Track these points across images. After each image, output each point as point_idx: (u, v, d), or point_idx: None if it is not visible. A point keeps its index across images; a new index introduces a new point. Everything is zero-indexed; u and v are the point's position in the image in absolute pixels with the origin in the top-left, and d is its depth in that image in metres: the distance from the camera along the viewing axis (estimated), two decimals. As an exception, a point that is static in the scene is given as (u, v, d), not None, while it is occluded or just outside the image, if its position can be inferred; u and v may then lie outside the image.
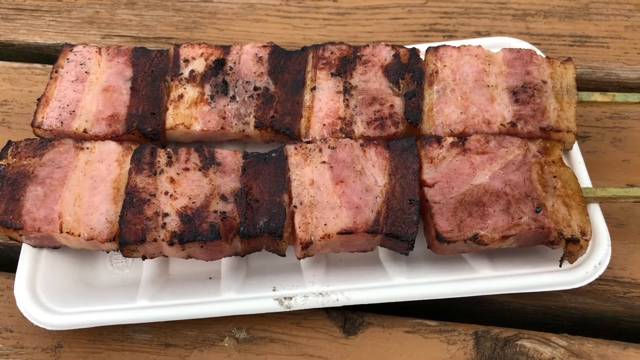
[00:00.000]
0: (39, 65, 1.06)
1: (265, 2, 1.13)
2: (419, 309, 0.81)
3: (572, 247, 0.72)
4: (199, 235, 0.74)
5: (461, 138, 0.80)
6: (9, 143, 0.82)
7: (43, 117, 0.86)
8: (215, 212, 0.75)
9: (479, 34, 1.05)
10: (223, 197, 0.76)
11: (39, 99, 0.87)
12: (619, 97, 0.84)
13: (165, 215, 0.75)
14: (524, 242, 0.75)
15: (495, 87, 0.84)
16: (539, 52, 0.87)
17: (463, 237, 0.73)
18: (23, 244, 0.80)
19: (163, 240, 0.74)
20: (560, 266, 0.75)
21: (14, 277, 0.83)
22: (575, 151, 0.84)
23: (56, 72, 0.89)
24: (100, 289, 0.80)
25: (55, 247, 0.80)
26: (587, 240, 0.72)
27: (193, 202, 0.76)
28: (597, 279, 0.76)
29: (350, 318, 0.78)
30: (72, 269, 0.81)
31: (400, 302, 0.76)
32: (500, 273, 0.76)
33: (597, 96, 0.84)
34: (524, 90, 0.83)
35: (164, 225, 0.74)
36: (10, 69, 1.05)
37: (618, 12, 1.07)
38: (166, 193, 0.77)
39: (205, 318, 0.76)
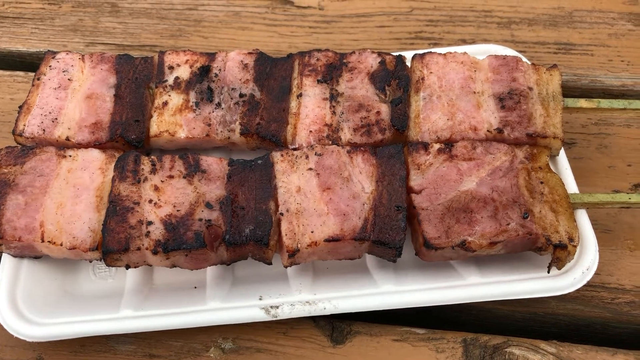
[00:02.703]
0: (20, 73, 1.05)
1: (251, 10, 1.12)
2: (407, 317, 0.80)
3: (560, 253, 0.72)
4: (183, 243, 0.72)
5: (448, 144, 0.80)
6: (-11, 151, 0.80)
7: (25, 125, 0.84)
8: (201, 220, 0.74)
9: (464, 42, 1.06)
10: (208, 205, 0.75)
11: (20, 107, 0.85)
12: (604, 103, 0.84)
13: (149, 223, 0.74)
14: (512, 249, 0.75)
15: (481, 93, 0.84)
16: (524, 59, 0.88)
17: (451, 243, 0.73)
18: (3, 254, 0.79)
19: (147, 248, 0.72)
20: (548, 272, 0.75)
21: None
22: (562, 157, 0.84)
23: (38, 79, 0.88)
24: (82, 299, 0.79)
25: (37, 256, 0.79)
26: (575, 246, 0.72)
27: (177, 210, 0.75)
28: (585, 285, 0.76)
29: (337, 327, 0.77)
30: (53, 279, 0.80)
31: (388, 311, 0.75)
32: (488, 280, 0.76)
33: (582, 102, 0.84)
34: (510, 97, 0.83)
35: (147, 234, 0.73)
36: (-9, 77, 1.04)
37: (601, 20, 1.08)
38: (150, 201, 0.75)
39: (191, 328, 0.75)
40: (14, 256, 0.78)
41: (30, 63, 1.09)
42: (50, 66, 0.89)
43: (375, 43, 1.06)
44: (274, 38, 1.08)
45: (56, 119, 0.85)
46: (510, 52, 0.94)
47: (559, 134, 0.81)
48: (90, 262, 0.81)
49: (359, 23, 1.10)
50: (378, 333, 0.77)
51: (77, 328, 0.73)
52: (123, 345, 0.76)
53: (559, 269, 0.74)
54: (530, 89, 0.84)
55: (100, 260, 0.78)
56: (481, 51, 0.93)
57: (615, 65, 1.02)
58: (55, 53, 0.90)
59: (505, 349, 0.75)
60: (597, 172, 0.90)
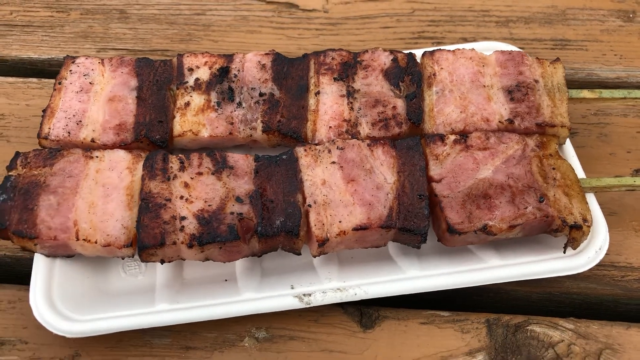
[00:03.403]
0: (34, 79, 1.06)
1: (258, 14, 1.15)
2: (430, 301, 0.84)
3: (576, 234, 0.76)
4: (217, 236, 0.75)
5: (463, 135, 0.84)
6: (17, 154, 0.82)
7: (50, 128, 0.86)
8: (232, 213, 0.77)
9: (465, 40, 1.10)
10: (238, 199, 0.78)
11: (44, 110, 0.87)
12: (606, 93, 0.89)
13: (183, 218, 0.76)
14: (529, 231, 0.79)
15: (490, 87, 0.88)
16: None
17: (473, 228, 0.76)
18: (35, 255, 0.80)
19: (182, 243, 0.75)
20: (564, 252, 0.79)
21: (25, 290, 0.83)
22: (568, 146, 0.89)
23: (59, 83, 0.90)
24: (115, 296, 0.80)
25: (69, 255, 0.80)
26: (589, 227, 0.77)
27: (209, 205, 0.77)
28: (596, 265, 0.80)
29: (366, 313, 0.80)
30: (85, 278, 0.81)
31: (412, 296, 0.79)
32: (508, 262, 0.80)
33: (585, 93, 0.89)
34: (518, 89, 0.87)
35: (182, 228, 0.75)
36: (5, 84, 1.05)
37: (592, 17, 1.13)
38: (181, 197, 0.78)
39: (224, 320, 0.77)
40: (47, 256, 0.80)
41: (41, 70, 1.10)
42: (70, 70, 0.91)
43: (380, 43, 1.10)
44: (282, 40, 1.11)
45: (80, 121, 0.87)
46: (512, 49, 0.99)
47: (566, 122, 0.85)
48: (123, 259, 0.83)
49: (363, 25, 1.13)
50: (405, 317, 0.80)
51: (115, 323, 0.75)
52: (159, 339, 0.78)
53: (574, 248, 0.79)
54: (537, 81, 0.88)
55: (133, 257, 0.80)
56: (484, 49, 0.98)
57: (609, 59, 1.07)
58: (74, 58, 0.92)
59: (527, 327, 0.79)
60: (599, 159, 0.95)
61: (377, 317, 0.80)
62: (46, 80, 1.06)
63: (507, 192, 0.79)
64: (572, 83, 1.06)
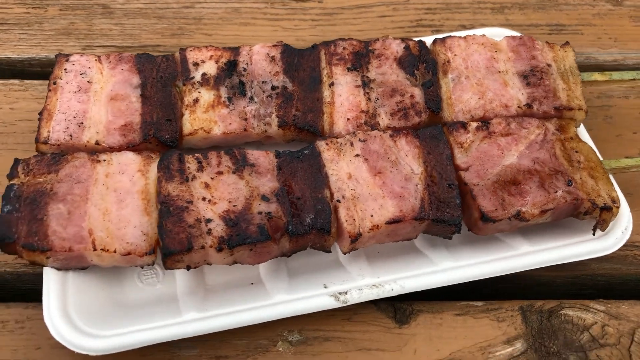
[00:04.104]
0: (15, 81, 0.98)
1: (250, 5, 1.11)
2: (460, 292, 0.82)
3: (606, 215, 0.77)
4: (247, 238, 0.71)
5: (484, 122, 0.82)
6: (17, 161, 0.75)
7: (49, 132, 0.80)
8: (260, 213, 0.73)
9: (464, 27, 1.09)
10: (264, 198, 0.74)
11: (40, 113, 0.81)
12: (616, 75, 0.90)
13: (209, 221, 0.72)
14: (558, 216, 0.79)
15: (505, 72, 0.87)
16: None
17: (507, 215, 0.75)
18: (44, 269, 0.74)
19: (211, 246, 0.70)
20: (594, 234, 0.79)
21: (32, 307, 0.77)
22: (582, 129, 0.89)
23: (54, 83, 0.83)
24: (134, 308, 0.75)
25: (83, 268, 0.75)
26: (618, 207, 0.77)
27: (234, 206, 0.73)
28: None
29: (399, 308, 0.78)
30: (101, 290, 0.76)
31: (443, 288, 0.77)
32: (538, 248, 0.79)
33: (596, 76, 0.90)
34: (533, 74, 0.87)
35: (209, 232, 0.71)
36: (-16, 87, 0.97)
37: (583, 2, 1.15)
38: (204, 199, 0.73)
39: (254, 325, 0.74)
40: (58, 269, 0.74)
41: (21, 70, 1.03)
42: (65, 69, 0.84)
43: (380, 32, 1.08)
44: (278, 32, 1.07)
45: (82, 123, 0.81)
46: (514, 34, 0.99)
47: (583, 105, 0.86)
48: (142, 267, 0.78)
49: (359, 14, 1.11)
50: (439, 310, 0.78)
51: (142, 336, 0.70)
52: (186, 351, 0.74)
53: (603, 230, 0.79)
54: (549, 65, 0.88)
55: (152, 265, 0.75)
56: (489, 35, 0.97)
57: (604, 42, 1.09)
58: (67, 55, 0.86)
59: (560, 312, 0.78)
60: (607, 141, 0.96)
61: (412, 311, 0.78)
62: (29, 81, 0.99)
63: (535, 177, 0.78)
64: (572, 67, 1.06)
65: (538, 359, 0.75)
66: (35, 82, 0.98)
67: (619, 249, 0.83)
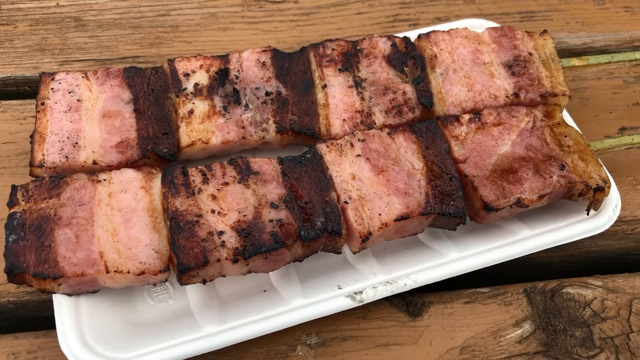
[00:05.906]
0: (-8, 103, 0.95)
1: (226, 10, 1.10)
2: (465, 280, 0.85)
3: (599, 195, 0.80)
4: (262, 247, 0.71)
5: (475, 114, 0.85)
6: (15, 187, 0.73)
7: (43, 155, 0.78)
8: (271, 221, 0.73)
9: (440, 20, 1.12)
10: (273, 205, 0.75)
11: (31, 136, 0.78)
12: (593, 59, 0.94)
13: (221, 233, 0.72)
14: (553, 199, 0.82)
15: (491, 63, 0.90)
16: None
17: (508, 203, 0.78)
18: (54, 296, 0.72)
19: (226, 259, 0.70)
20: (588, 214, 0.83)
21: (42, 336, 0.75)
22: (565, 113, 0.93)
23: (42, 104, 0.81)
24: (150, 326, 0.75)
25: (94, 291, 0.73)
26: (609, 187, 0.81)
27: (244, 216, 0.73)
28: (608, 223, 0.84)
29: (411, 301, 0.80)
30: (114, 312, 0.75)
31: (450, 277, 0.79)
32: (538, 231, 0.82)
33: (575, 61, 0.93)
34: (517, 63, 0.90)
35: (223, 244, 0.71)
36: (-40, 111, 0.93)
37: (549, -12, 1.19)
38: (213, 211, 0.73)
39: (272, 332, 0.74)
40: (70, 294, 0.73)
41: (-5, 91, 0.99)
42: (52, 89, 0.82)
43: (359, 29, 1.09)
44: (258, 35, 1.07)
45: (77, 143, 0.79)
46: (491, 24, 1.01)
47: (566, 90, 0.89)
48: (155, 285, 0.77)
49: (336, 12, 1.12)
50: (449, 299, 0.81)
51: (165, 354, 0.70)
52: (208, 363, 0.74)
53: (596, 209, 0.82)
54: (531, 54, 0.91)
55: (165, 282, 0.74)
56: (467, 27, 0.99)
57: (572, 27, 1.13)
58: (52, 74, 0.84)
59: (562, 290, 0.82)
60: (586, 122, 1.00)
61: (423, 304, 0.80)
62: (7, 102, 0.95)
63: (530, 164, 0.81)
64: (545, 52, 1.10)
65: (547, 338, 0.78)
66: (14, 102, 0.95)
67: (609, 227, 0.87)
